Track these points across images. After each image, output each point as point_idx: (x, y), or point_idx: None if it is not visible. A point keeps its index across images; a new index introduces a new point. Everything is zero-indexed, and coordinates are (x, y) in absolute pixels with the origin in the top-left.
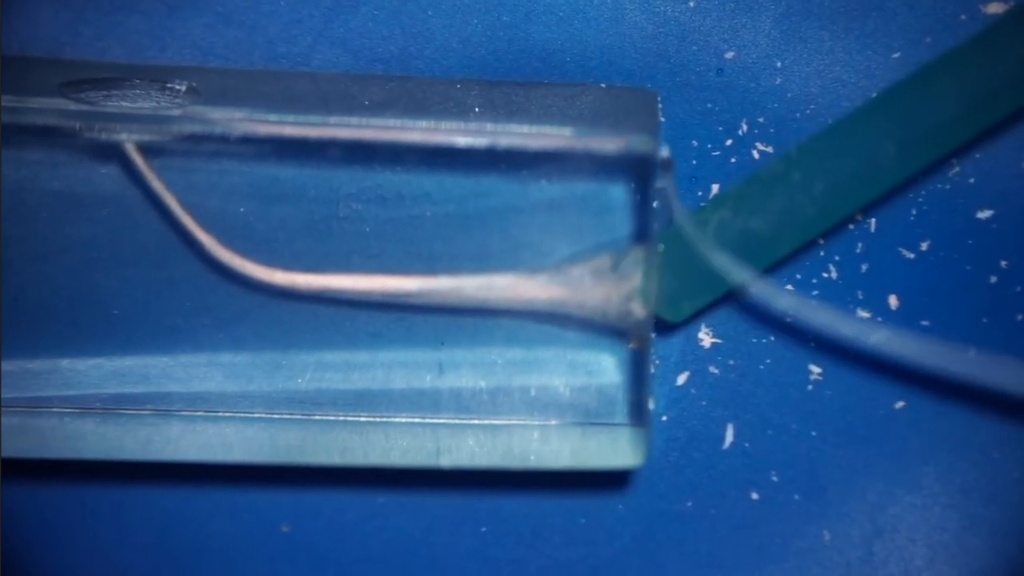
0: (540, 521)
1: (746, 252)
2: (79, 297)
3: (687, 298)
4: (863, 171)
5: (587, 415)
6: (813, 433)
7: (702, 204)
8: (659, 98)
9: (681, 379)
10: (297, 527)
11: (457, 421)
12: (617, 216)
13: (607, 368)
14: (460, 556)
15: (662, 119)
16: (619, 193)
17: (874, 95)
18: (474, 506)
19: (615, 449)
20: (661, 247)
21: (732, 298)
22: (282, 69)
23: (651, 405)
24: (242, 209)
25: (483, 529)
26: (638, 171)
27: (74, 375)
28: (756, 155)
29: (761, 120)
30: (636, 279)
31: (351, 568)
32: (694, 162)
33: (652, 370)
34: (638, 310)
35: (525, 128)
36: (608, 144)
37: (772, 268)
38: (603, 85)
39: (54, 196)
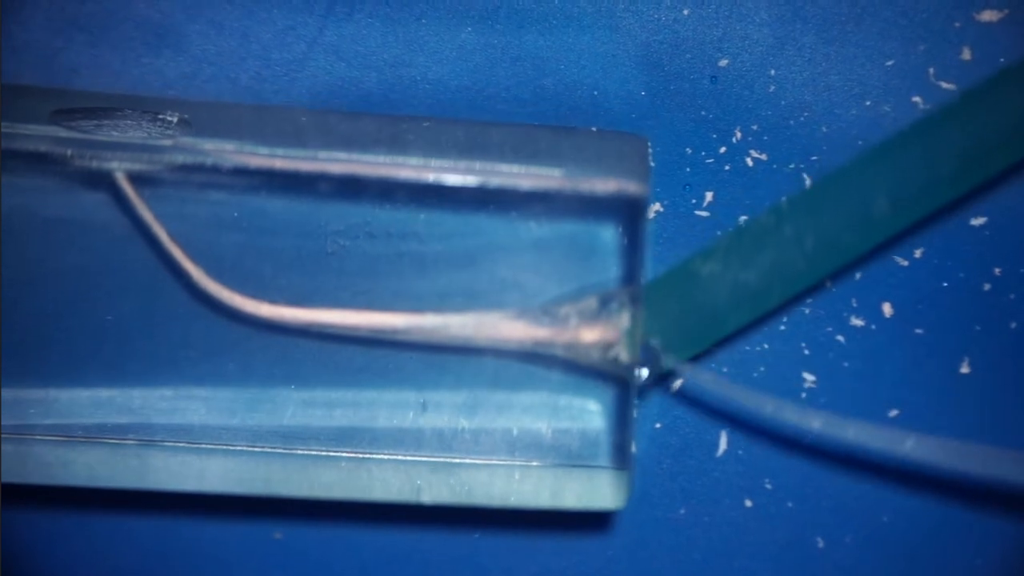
0: (533, 528)
1: (736, 305)
2: (65, 325)
3: (677, 348)
4: (855, 226)
5: (569, 457)
6: (806, 440)
7: (693, 255)
8: (649, 143)
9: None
10: (290, 534)
11: (439, 459)
12: (605, 258)
13: (590, 411)
14: (452, 563)
15: (652, 164)
16: (608, 235)
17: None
18: (466, 514)
19: (596, 491)
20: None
21: (721, 346)
22: (272, 89)
23: (633, 449)
24: (230, 241)
25: (475, 536)
26: (627, 214)
27: (59, 403)
28: (750, 162)
29: (755, 128)
30: (623, 322)
31: (344, 575)
32: (688, 170)
33: (635, 414)
34: (624, 353)
35: (515, 168)
36: (598, 186)
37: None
38: (594, 128)
39: (43, 223)
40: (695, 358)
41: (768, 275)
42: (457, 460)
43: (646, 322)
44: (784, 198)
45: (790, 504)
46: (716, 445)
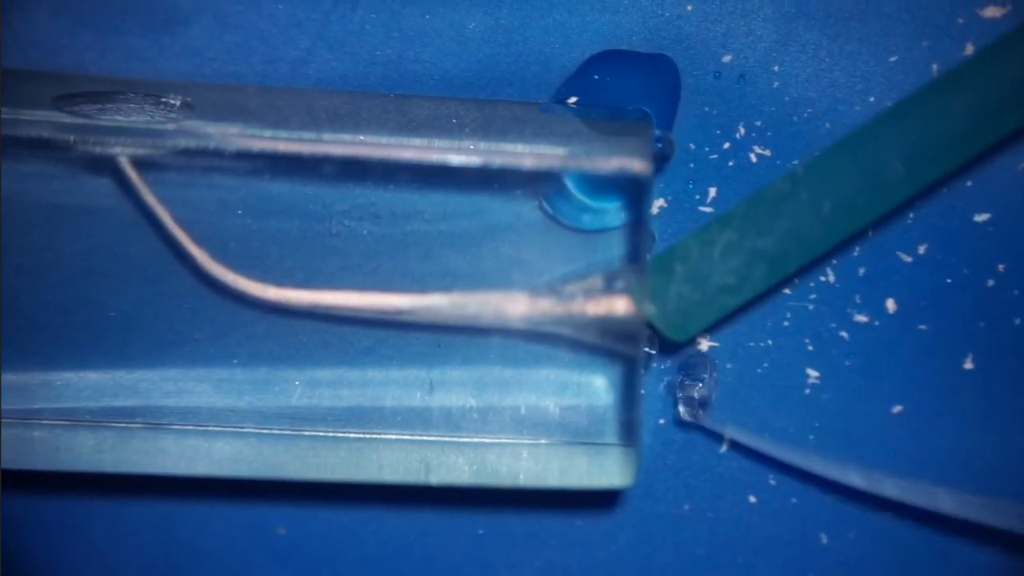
0: (537, 524)
1: (753, 272)
2: (71, 310)
3: (692, 317)
4: (870, 189)
5: (577, 434)
6: (810, 437)
7: (709, 224)
8: (652, 121)
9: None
10: (293, 529)
11: (447, 439)
12: (610, 236)
13: (598, 388)
14: (457, 558)
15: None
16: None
17: (876, 109)
18: (471, 509)
19: (604, 469)
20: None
21: (737, 315)
22: (277, 83)
23: (640, 424)
24: (235, 224)
25: (480, 532)
26: (631, 192)
27: (65, 387)
28: (754, 158)
29: (758, 123)
30: (628, 299)
31: (347, 570)
32: (691, 165)
33: (642, 391)
34: (630, 330)
35: (519, 147)
36: (601, 165)
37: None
38: (597, 105)
39: (47, 209)
40: (713, 326)
41: (785, 241)
42: (465, 439)
43: (666, 291)
44: (799, 163)
45: (794, 500)
46: (720, 441)
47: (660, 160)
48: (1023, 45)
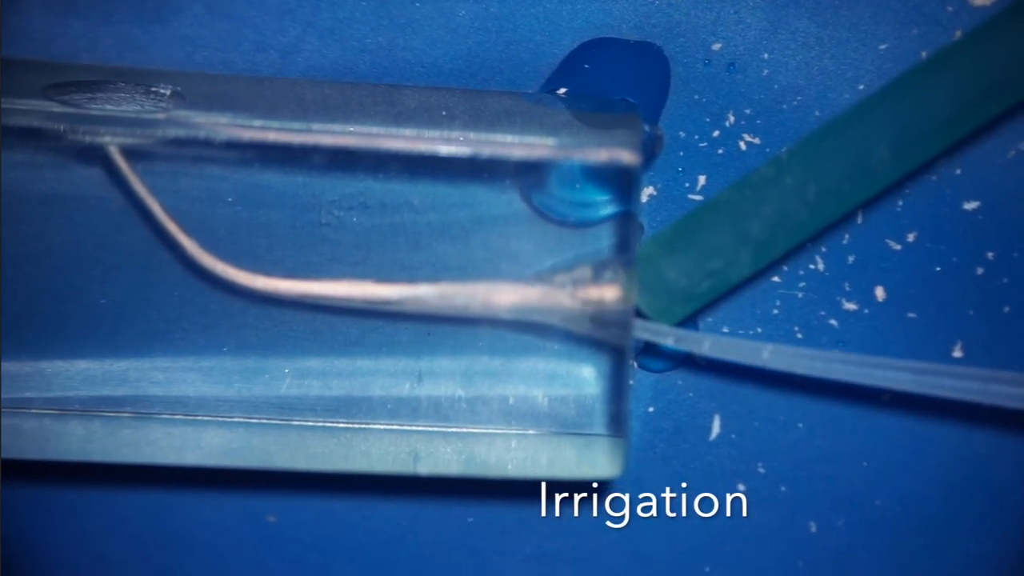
0: (526, 511)
1: (739, 256)
2: (61, 299)
3: (679, 301)
4: (856, 173)
5: (565, 425)
6: (800, 425)
7: (696, 209)
8: (641, 113)
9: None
10: (283, 517)
11: (435, 429)
12: (598, 227)
13: (586, 379)
14: (447, 545)
15: (645, 132)
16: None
17: (865, 96)
18: (461, 496)
19: (592, 459)
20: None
21: (726, 301)
22: (267, 71)
23: (629, 415)
24: (225, 214)
25: (470, 519)
26: (620, 183)
27: (55, 376)
28: (743, 146)
29: (748, 111)
30: (616, 290)
31: (338, 557)
32: (681, 153)
33: (631, 381)
34: (618, 320)
35: (508, 138)
36: (591, 156)
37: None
38: (587, 97)
39: (38, 198)
40: (699, 312)
41: (771, 226)
42: (454, 430)
43: (651, 276)
44: (784, 148)
45: (783, 488)
46: (709, 429)
47: (649, 154)
48: (1008, 29)
